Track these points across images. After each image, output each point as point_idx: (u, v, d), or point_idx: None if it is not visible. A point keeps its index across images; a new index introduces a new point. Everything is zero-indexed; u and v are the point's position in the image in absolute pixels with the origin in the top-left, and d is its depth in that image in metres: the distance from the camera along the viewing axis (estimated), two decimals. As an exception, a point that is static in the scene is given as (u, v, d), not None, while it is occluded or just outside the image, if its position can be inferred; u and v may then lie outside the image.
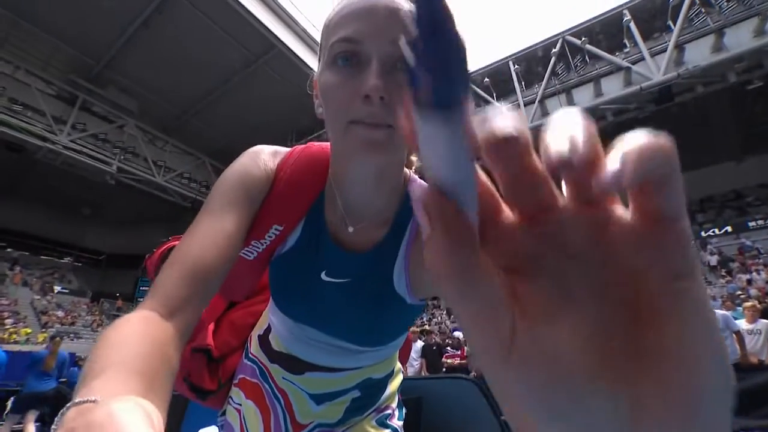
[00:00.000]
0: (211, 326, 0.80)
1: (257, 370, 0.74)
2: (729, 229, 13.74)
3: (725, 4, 9.41)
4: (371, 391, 0.74)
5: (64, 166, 13.33)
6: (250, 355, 0.76)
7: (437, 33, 0.12)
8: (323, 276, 0.60)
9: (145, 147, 15.03)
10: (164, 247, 0.78)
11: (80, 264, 22.54)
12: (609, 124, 10.72)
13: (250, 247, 0.58)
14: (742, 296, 6.95)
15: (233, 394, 0.76)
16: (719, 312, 4.17)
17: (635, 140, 0.12)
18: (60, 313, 16.04)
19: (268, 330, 0.73)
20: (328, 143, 0.59)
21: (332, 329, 0.64)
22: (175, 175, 15.82)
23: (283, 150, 0.62)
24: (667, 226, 0.12)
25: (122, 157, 14.10)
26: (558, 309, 0.13)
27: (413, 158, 0.65)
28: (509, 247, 0.14)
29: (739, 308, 5.55)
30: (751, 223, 13.40)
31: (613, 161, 0.12)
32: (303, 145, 0.63)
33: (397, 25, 0.46)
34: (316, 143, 0.63)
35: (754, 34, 8.65)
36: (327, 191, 0.59)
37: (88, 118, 13.89)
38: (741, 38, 8.85)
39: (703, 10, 9.67)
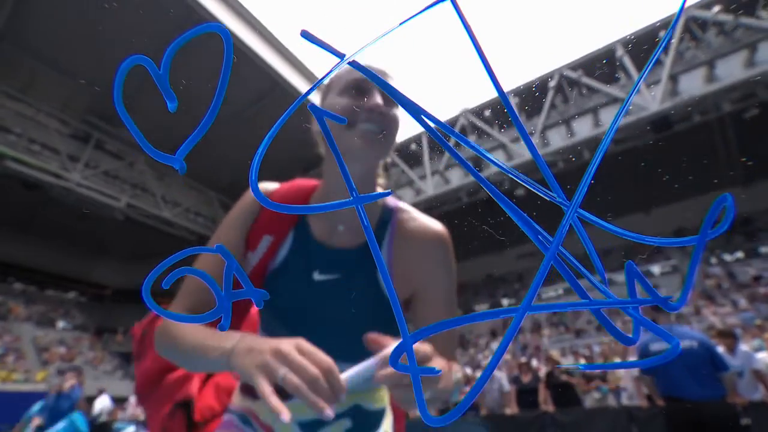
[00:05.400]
0: (196, 379, 0.82)
1: (237, 418, 0.75)
2: (740, 254, 13.47)
3: (713, 39, 9.78)
4: (363, 424, 0.73)
5: (76, 203, 13.63)
6: (230, 409, 0.78)
7: None
8: (316, 276, 0.69)
9: (155, 183, 15.39)
10: (143, 325, 0.88)
11: (84, 299, 22.44)
12: (610, 153, 10.85)
13: (245, 260, 0.69)
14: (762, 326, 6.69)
15: None
16: (743, 349, 3.83)
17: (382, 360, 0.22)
18: (62, 350, 15.79)
19: None
20: (312, 179, 0.75)
21: (319, 339, 0.64)
22: (182, 210, 16.07)
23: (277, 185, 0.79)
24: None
25: (132, 194, 14.43)
26: None
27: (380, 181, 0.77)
28: None
29: (754, 339, 5.34)
30: (763, 249, 13.15)
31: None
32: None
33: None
34: (302, 179, 0.78)
35: (745, 65, 8.91)
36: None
37: (100, 155, 14.35)
38: (732, 69, 9.12)
39: (692, 44, 10.04)
